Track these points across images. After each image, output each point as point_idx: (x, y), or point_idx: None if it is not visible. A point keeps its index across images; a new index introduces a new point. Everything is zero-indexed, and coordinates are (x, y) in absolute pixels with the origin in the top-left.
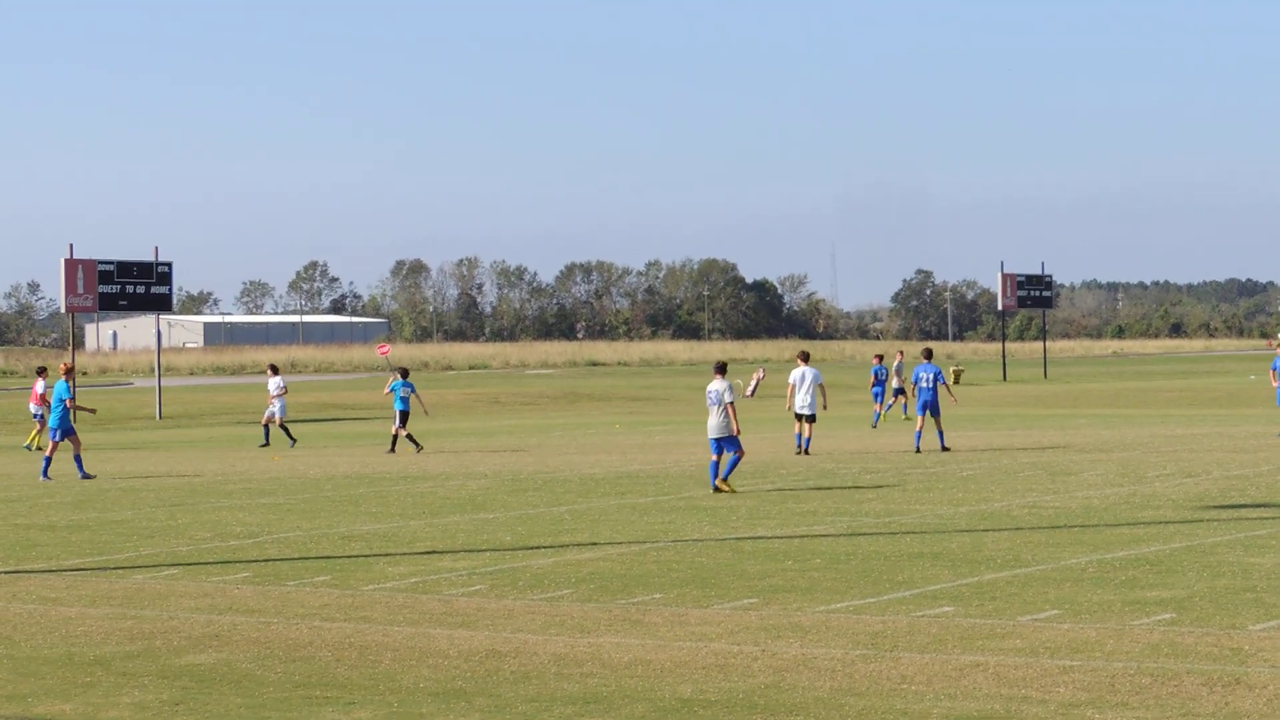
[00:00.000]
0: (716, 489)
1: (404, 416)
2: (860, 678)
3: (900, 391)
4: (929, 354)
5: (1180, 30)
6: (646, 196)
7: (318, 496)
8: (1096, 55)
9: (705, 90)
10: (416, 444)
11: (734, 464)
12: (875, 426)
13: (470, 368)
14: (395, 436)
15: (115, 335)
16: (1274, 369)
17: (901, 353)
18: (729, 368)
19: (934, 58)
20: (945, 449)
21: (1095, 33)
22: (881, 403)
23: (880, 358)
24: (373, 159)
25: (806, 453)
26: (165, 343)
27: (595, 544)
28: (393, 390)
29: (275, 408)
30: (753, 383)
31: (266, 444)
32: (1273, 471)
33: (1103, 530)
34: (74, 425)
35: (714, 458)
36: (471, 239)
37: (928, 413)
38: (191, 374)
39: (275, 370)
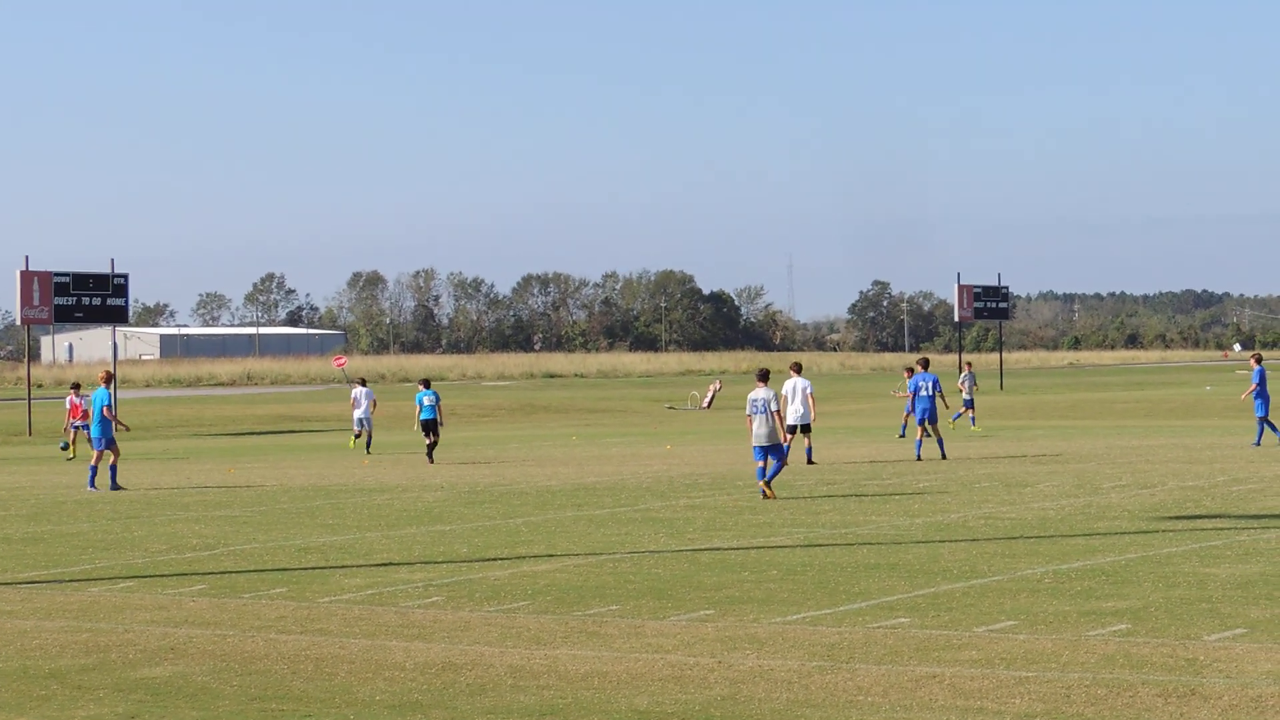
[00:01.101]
0: (765, 495)
1: (431, 425)
2: (816, 689)
3: (970, 403)
4: (926, 363)
5: (1136, 42)
6: (603, 208)
7: (274, 509)
8: (1053, 67)
9: (662, 101)
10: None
11: (778, 469)
12: (903, 436)
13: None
14: (430, 446)
15: (71, 347)
16: (1256, 380)
17: (969, 364)
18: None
19: (893, 69)
20: (945, 457)
21: (1051, 43)
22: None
23: (911, 371)
24: (329, 171)
25: (811, 462)
26: (121, 354)
27: (552, 556)
28: (418, 402)
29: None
30: (709, 394)
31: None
32: (1228, 482)
33: (1059, 541)
34: (115, 435)
35: (760, 464)
36: (428, 251)
37: (927, 421)
38: (148, 385)
39: (364, 382)
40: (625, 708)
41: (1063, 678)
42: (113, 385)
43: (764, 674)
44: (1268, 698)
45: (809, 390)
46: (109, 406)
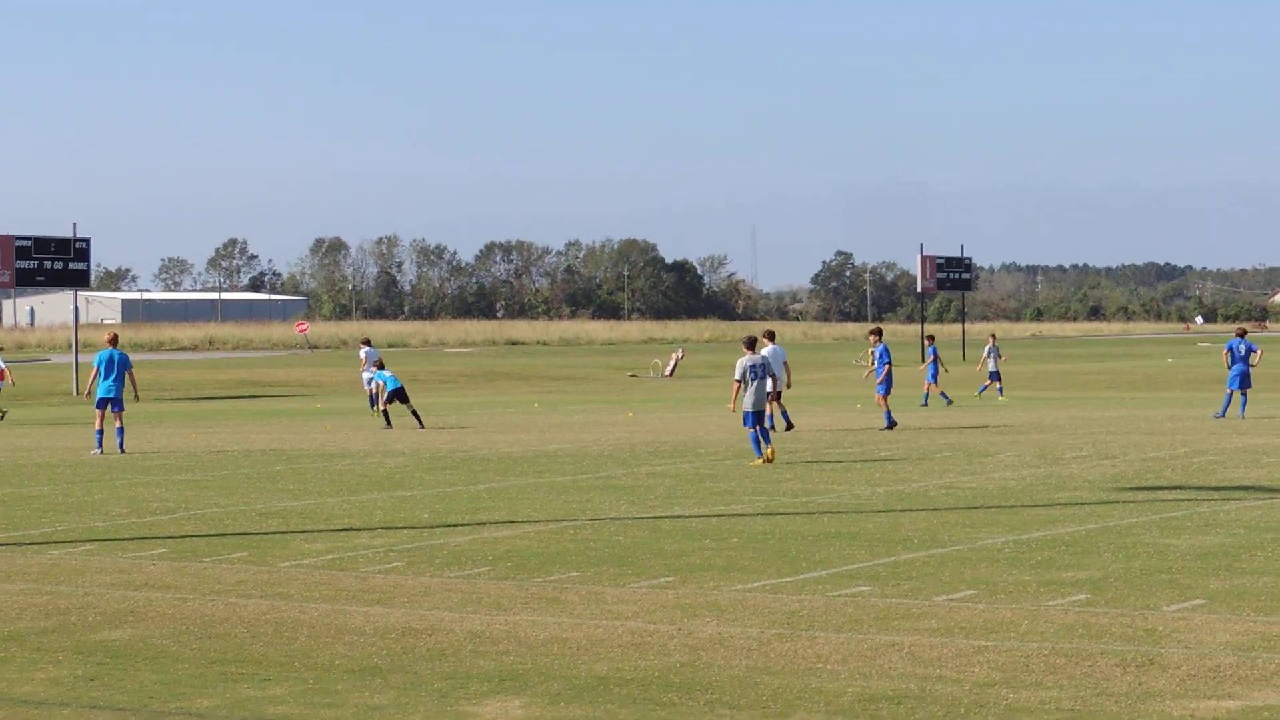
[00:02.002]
0: (769, 460)
1: (400, 393)
2: (776, 657)
3: (996, 375)
4: (879, 333)
5: (1101, 17)
6: (567, 176)
7: (235, 473)
8: (1017, 41)
9: (626, 71)
10: (418, 419)
11: (767, 434)
12: (926, 405)
13: (389, 346)
14: (387, 411)
15: (33, 311)
16: (1228, 349)
17: (994, 335)
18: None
19: (856, 43)
20: (890, 427)
21: (1014, 18)
22: (935, 382)
23: (931, 338)
24: (292, 136)
25: (791, 427)
26: (83, 319)
27: (513, 522)
28: (381, 380)
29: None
30: (671, 362)
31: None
32: (1189, 454)
33: (1019, 511)
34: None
35: (752, 429)
36: (391, 217)
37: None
38: None
39: (368, 342)
40: (585, 674)
41: (1022, 647)
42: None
43: (724, 641)
44: (1226, 668)
45: (784, 358)
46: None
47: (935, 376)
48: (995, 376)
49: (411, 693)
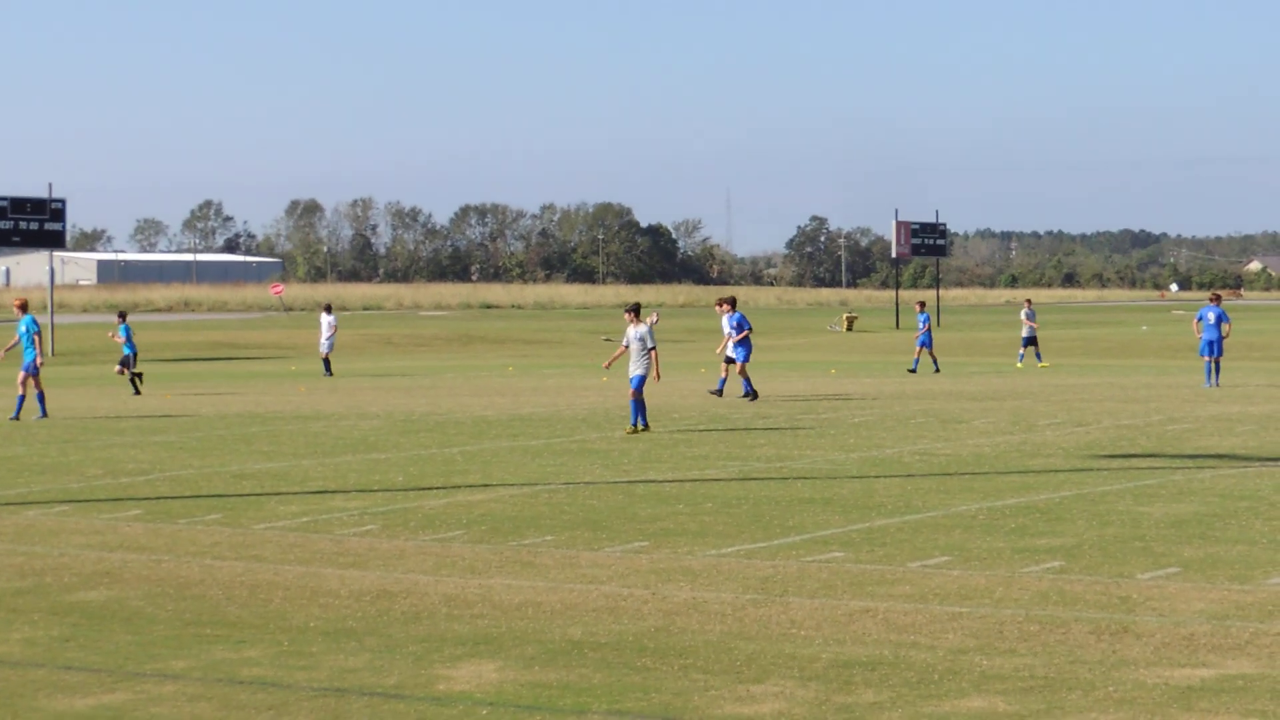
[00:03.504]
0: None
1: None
2: (750, 622)
3: (1031, 340)
4: (734, 302)
5: None
6: (542, 139)
7: (210, 435)
8: (995, 9)
9: (601, 34)
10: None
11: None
12: (914, 371)
13: (364, 308)
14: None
15: (8, 272)
16: (1199, 319)
17: (1029, 300)
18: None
19: (832, 9)
20: (716, 393)
21: None
22: (928, 347)
23: (922, 304)
24: (268, 98)
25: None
26: (58, 280)
27: (487, 485)
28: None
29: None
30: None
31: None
32: (1163, 422)
33: (993, 478)
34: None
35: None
36: (366, 180)
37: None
38: (85, 311)
39: (329, 309)
40: (559, 638)
41: (996, 614)
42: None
43: (698, 606)
44: (1200, 636)
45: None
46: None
47: (928, 342)
48: (1031, 340)
49: (386, 656)
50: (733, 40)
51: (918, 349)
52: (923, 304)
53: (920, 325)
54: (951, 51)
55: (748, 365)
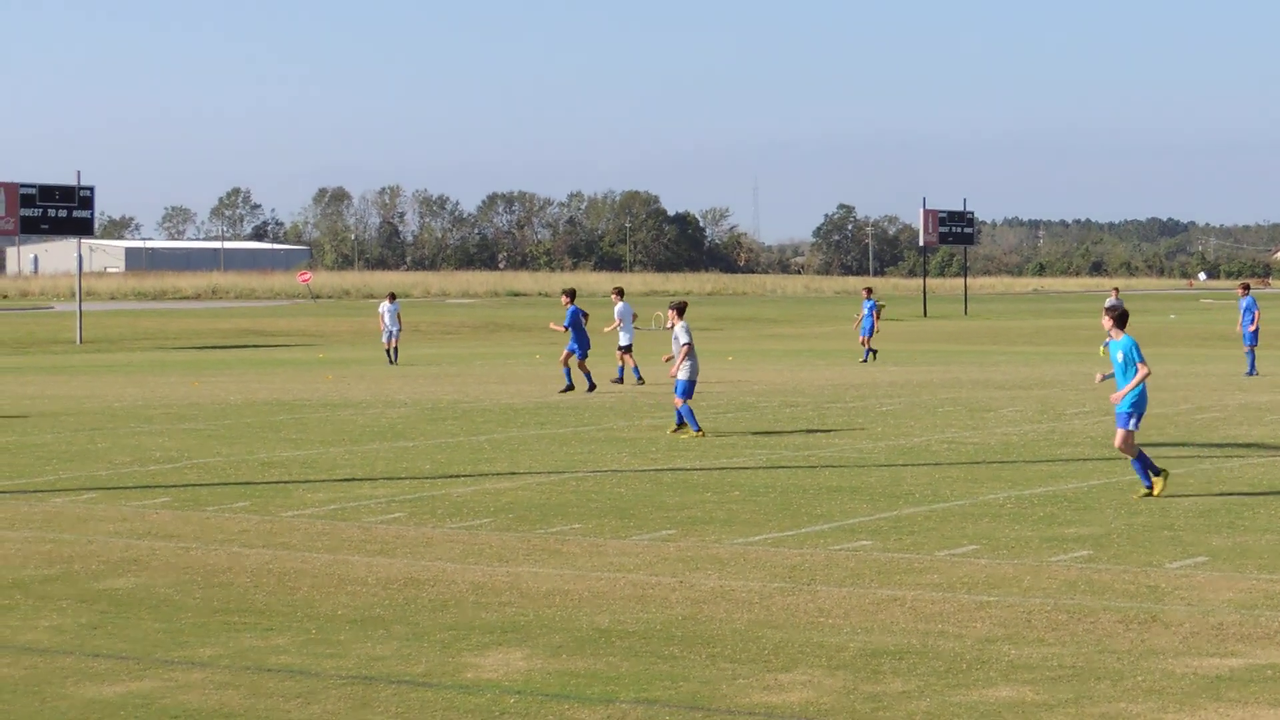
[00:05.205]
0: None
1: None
2: (777, 610)
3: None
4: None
5: None
6: (569, 127)
7: (238, 423)
8: None
9: (629, 22)
10: None
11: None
12: (865, 361)
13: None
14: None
15: (36, 259)
16: (1246, 309)
17: (1117, 290)
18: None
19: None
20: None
21: None
22: (870, 337)
23: (869, 290)
24: (296, 86)
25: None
26: (86, 267)
27: (515, 473)
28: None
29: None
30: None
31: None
32: (1191, 411)
33: (1021, 467)
34: None
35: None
36: (394, 168)
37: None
38: (112, 298)
39: (393, 297)
40: (587, 626)
41: (1024, 603)
42: None
43: (725, 594)
44: (1229, 625)
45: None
46: None
47: (870, 331)
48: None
49: (414, 643)
50: (760, 29)
51: (862, 339)
52: (869, 290)
53: (865, 311)
54: (980, 39)
55: (586, 361)
